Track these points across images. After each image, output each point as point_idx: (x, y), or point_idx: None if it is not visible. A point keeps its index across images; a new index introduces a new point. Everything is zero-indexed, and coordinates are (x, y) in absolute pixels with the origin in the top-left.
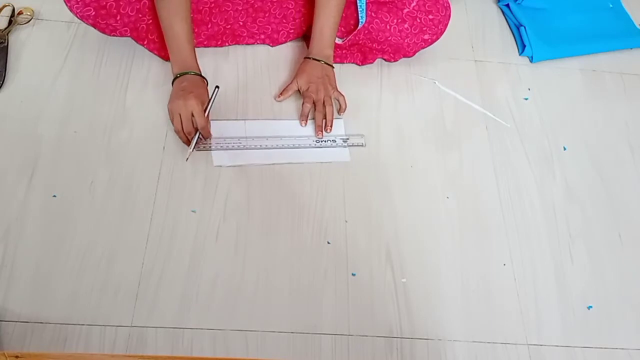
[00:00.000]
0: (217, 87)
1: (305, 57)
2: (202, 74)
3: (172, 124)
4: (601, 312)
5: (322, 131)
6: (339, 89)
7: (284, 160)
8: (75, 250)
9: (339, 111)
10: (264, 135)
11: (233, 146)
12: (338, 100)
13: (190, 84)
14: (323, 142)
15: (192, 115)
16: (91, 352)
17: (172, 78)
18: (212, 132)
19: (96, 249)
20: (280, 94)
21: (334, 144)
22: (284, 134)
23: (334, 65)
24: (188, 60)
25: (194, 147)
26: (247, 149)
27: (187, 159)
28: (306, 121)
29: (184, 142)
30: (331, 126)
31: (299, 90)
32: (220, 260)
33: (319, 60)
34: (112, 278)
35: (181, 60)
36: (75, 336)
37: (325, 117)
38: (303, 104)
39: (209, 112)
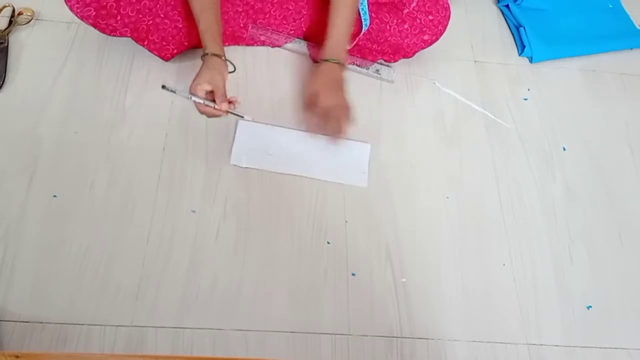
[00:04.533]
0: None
1: (321, 59)
2: (224, 56)
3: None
4: (601, 312)
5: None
6: (347, 98)
7: (301, 172)
8: (75, 250)
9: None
10: (290, 144)
11: (256, 148)
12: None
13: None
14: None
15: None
16: (91, 352)
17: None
18: (239, 131)
19: (96, 249)
20: (307, 108)
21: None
22: (306, 145)
23: (345, 65)
24: (209, 43)
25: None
26: (268, 154)
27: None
28: (334, 141)
29: (209, 115)
30: (343, 133)
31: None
32: (220, 260)
33: (333, 62)
34: (112, 278)
35: (205, 41)
36: (75, 336)
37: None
38: (314, 115)
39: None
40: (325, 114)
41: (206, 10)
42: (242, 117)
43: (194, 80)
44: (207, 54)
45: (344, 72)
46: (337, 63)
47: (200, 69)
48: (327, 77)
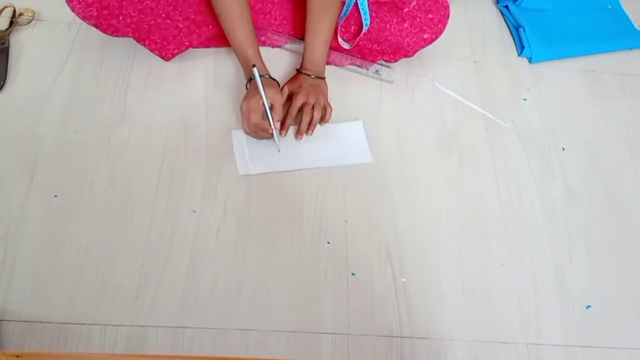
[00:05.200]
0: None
1: (297, 70)
2: (270, 74)
3: (243, 122)
4: (601, 312)
5: (302, 135)
6: (328, 101)
7: (307, 165)
8: (75, 250)
9: (321, 120)
10: (288, 139)
11: (257, 152)
12: (325, 110)
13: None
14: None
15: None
16: (92, 351)
17: (245, 82)
18: (235, 140)
19: (96, 249)
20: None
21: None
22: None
23: (325, 77)
24: (252, 62)
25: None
26: (271, 154)
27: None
28: (300, 136)
29: (258, 138)
30: (313, 130)
31: (290, 95)
32: (220, 260)
33: (309, 75)
34: (112, 278)
35: (247, 65)
36: (75, 336)
37: (311, 121)
38: (289, 113)
39: (269, 112)
40: (293, 113)
41: (251, 33)
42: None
43: (251, 96)
44: (264, 75)
45: (322, 81)
46: (317, 77)
47: (259, 86)
48: (306, 81)
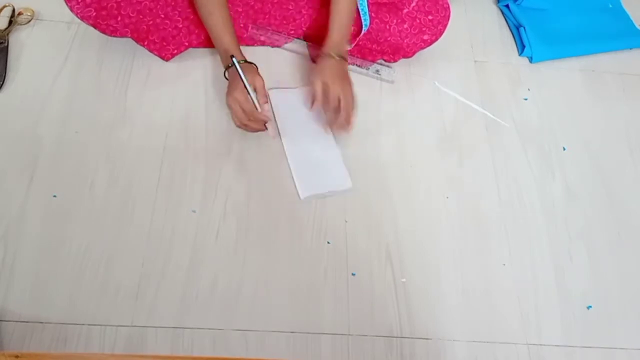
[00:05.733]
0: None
1: (323, 54)
2: (246, 59)
3: (234, 117)
4: (601, 312)
5: (344, 128)
6: (353, 89)
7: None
8: (75, 250)
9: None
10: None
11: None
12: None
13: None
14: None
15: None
16: (91, 352)
17: (223, 71)
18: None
19: (96, 249)
20: (312, 105)
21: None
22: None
23: (346, 58)
24: (230, 50)
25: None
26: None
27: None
28: (342, 130)
29: (251, 131)
30: (350, 125)
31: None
32: (220, 260)
33: (334, 57)
34: (112, 278)
35: (223, 51)
36: (75, 336)
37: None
38: (329, 101)
39: (252, 94)
40: (335, 106)
41: (227, 22)
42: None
43: (234, 88)
44: (240, 61)
45: (346, 67)
46: (340, 57)
47: (239, 73)
48: (333, 69)
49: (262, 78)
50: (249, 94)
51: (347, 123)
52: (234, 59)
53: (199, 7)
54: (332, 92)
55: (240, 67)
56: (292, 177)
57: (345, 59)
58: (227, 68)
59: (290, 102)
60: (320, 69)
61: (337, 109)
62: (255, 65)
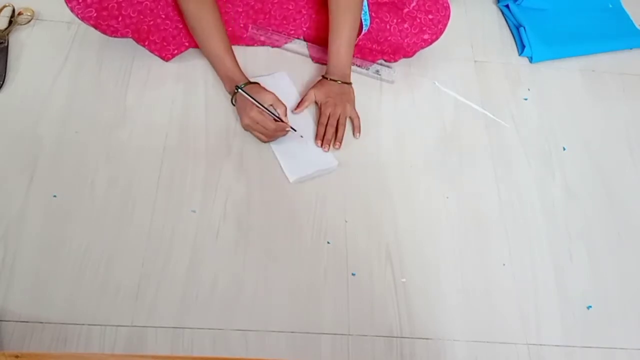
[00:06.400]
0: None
1: (323, 77)
2: (249, 80)
3: (258, 136)
4: (601, 312)
5: (329, 145)
6: (356, 109)
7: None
8: (75, 250)
9: (354, 131)
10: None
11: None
12: (352, 121)
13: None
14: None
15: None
16: (91, 352)
17: (230, 98)
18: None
19: (96, 249)
20: (298, 106)
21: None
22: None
23: (351, 82)
24: (234, 75)
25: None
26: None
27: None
28: (327, 146)
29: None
30: (340, 143)
31: (315, 102)
32: (220, 260)
33: (336, 81)
34: (112, 278)
35: (227, 77)
36: (75, 336)
37: (336, 134)
38: (320, 124)
39: (270, 109)
40: (331, 124)
41: (227, 45)
42: (295, 130)
43: (249, 111)
44: (243, 85)
45: (349, 87)
46: (343, 82)
47: (250, 99)
48: (329, 90)
49: (269, 92)
50: (266, 110)
51: (330, 141)
52: (239, 88)
53: (196, 33)
54: (332, 110)
55: (247, 92)
56: (278, 162)
57: (348, 84)
58: (233, 95)
59: (270, 88)
60: (319, 86)
61: (332, 126)
62: (257, 82)
